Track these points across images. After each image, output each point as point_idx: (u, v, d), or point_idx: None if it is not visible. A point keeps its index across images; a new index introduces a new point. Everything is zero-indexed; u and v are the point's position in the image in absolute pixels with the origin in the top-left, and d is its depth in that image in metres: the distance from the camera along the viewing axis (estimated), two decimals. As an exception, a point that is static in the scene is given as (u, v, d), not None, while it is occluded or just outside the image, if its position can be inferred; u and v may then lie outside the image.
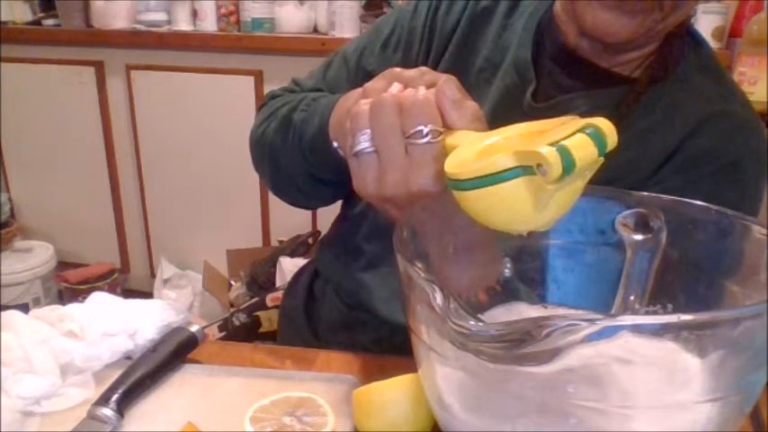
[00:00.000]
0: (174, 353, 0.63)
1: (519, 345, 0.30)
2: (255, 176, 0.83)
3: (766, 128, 0.74)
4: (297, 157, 0.70)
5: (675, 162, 0.68)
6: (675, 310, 0.46)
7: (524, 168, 0.39)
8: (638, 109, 0.69)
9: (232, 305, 1.79)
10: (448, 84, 0.50)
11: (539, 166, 0.37)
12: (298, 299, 0.90)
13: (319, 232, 1.97)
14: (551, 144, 0.38)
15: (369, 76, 0.81)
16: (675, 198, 0.47)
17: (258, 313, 1.24)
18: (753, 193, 0.70)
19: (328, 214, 0.90)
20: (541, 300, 0.50)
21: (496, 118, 0.74)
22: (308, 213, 2.04)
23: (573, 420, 0.34)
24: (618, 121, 0.68)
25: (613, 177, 0.69)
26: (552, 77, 0.72)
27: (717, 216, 0.46)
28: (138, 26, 2.09)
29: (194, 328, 0.65)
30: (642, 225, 0.46)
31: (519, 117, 0.73)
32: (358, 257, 0.81)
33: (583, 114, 0.69)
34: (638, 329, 0.35)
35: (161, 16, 2.09)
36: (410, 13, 0.81)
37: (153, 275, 2.29)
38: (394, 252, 0.40)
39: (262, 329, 1.02)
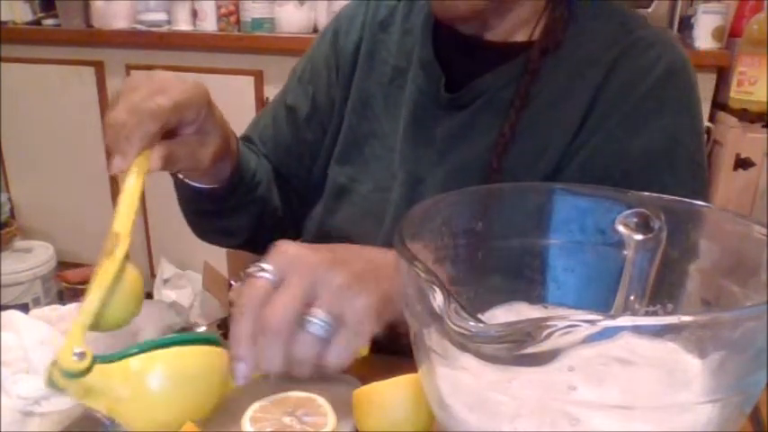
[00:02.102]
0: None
1: (519, 345, 0.30)
2: (255, 176, 0.83)
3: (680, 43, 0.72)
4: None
5: (600, 108, 0.68)
6: (676, 311, 0.46)
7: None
8: (542, 79, 0.69)
9: (232, 305, 1.78)
10: None
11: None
12: None
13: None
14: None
15: (289, 109, 0.85)
16: (676, 198, 0.47)
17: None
18: (688, 105, 0.69)
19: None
20: (541, 300, 0.50)
21: (417, 119, 0.76)
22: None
23: (573, 421, 0.34)
24: (521, 100, 0.69)
25: (533, 160, 0.69)
26: (458, 66, 0.74)
27: (717, 216, 0.46)
28: (138, 26, 2.09)
29: (201, 329, 0.65)
30: (642, 225, 0.46)
31: (438, 111, 0.74)
32: None
33: (495, 93, 0.71)
34: (638, 330, 0.35)
35: (161, 16, 2.09)
36: (318, 42, 0.85)
37: (153, 275, 2.29)
38: None
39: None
